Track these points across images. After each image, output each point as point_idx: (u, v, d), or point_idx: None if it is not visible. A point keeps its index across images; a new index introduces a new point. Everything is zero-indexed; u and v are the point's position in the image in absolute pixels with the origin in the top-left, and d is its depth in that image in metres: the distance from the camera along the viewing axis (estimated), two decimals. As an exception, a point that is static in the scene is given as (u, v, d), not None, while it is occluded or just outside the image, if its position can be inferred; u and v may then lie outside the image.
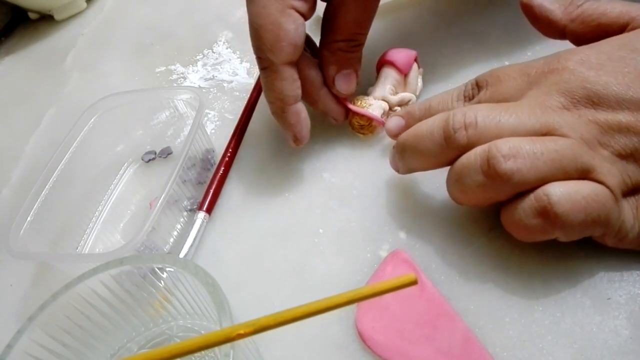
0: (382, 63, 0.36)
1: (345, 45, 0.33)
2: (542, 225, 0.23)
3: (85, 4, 0.63)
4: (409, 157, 0.28)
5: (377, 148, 0.34)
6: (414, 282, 0.19)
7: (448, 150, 0.25)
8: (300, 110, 0.32)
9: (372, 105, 0.34)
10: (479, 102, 0.27)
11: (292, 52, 0.30)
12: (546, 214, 0.22)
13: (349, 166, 0.34)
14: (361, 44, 0.34)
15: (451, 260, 0.27)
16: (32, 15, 0.65)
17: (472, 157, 0.24)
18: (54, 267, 0.35)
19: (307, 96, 0.33)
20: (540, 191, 0.22)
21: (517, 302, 0.25)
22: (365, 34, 0.34)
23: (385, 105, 0.34)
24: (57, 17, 0.62)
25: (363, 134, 0.35)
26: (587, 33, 0.26)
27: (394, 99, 0.35)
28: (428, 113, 0.29)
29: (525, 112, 0.24)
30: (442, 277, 0.27)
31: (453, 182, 0.25)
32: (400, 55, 0.35)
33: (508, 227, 0.24)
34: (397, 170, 0.30)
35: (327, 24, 0.33)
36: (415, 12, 0.43)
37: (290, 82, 0.31)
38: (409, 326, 0.25)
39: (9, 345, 0.24)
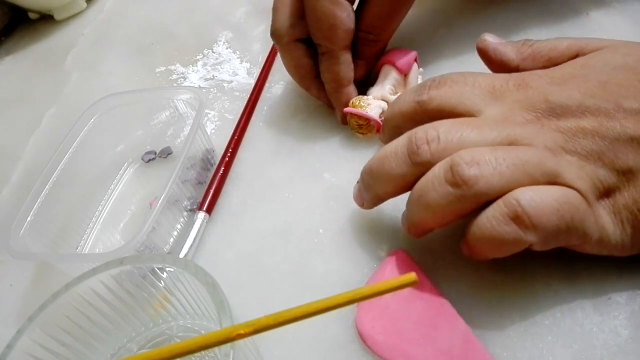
0: (382, 63, 0.36)
1: (364, 36, 0.35)
2: (515, 231, 0.22)
3: (85, 4, 0.63)
4: (374, 182, 0.27)
5: (377, 148, 0.34)
6: (414, 282, 0.19)
7: (413, 167, 0.25)
8: (352, 92, 0.36)
9: (371, 105, 0.34)
10: (441, 96, 0.26)
11: (346, 37, 0.34)
12: (518, 218, 0.21)
13: (349, 166, 0.34)
14: (379, 41, 0.36)
15: (451, 260, 0.27)
16: (32, 15, 0.65)
17: (435, 170, 0.24)
18: (54, 267, 0.35)
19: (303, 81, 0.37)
20: (508, 196, 0.22)
21: (517, 302, 0.25)
22: (387, 31, 0.36)
23: (385, 105, 0.34)
24: (57, 17, 0.63)
25: (362, 133, 0.35)
26: (539, 69, 0.27)
27: (394, 98, 0.35)
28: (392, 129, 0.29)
29: (487, 126, 0.24)
30: (442, 277, 0.27)
31: (416, 200, 0.24)
32: (400, 55, 0.35)
33: (477, 243, 0.23)
34: (362, 204, 0.29)
35: (356, 12, 0.35)
36: (415, 12, 0.43)
37: (345, 66, 0.35)
38: (409, 326, 0.25)
39: (9, 345, 0.24)
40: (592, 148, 0.23)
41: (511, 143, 0.23)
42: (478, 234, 0.23)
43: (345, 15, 0.33)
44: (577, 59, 0.26)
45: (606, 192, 0.23)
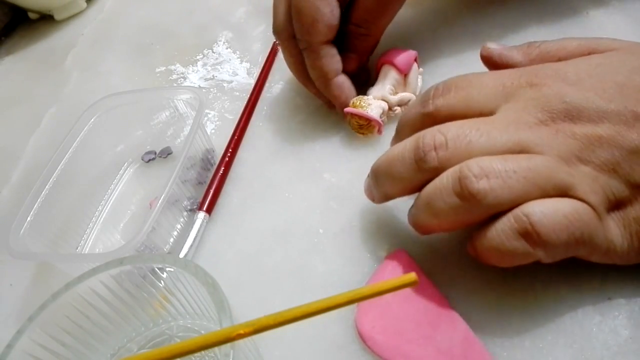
0: (382, 63, 0.36)
1: (355, 30, 0.35)
2: (524, 247, 0.22)
3: (85, 4, 0.63)
4: (382, 182, 0.27)
5: (377, 148, 0.34)
6: (414, 282, 0.19)
7: (420, 173, 0.24)
8: (342, 82, 0.35)
9: (371, 105, 0.34)
10: (448, 104, 0.26)
11: (327, 32, 0.33)
12: (528, 235, 0.21)
13: (349, 166, 0.34)
14: (369, 35, 0.35)
15: (451, 260, 0.27)
16: (32, 15, 0.65)
17: (443, 179, 0.23)
18: (54, 267, 0.35)
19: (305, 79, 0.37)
20: (519, 211, 0.21)
21: (517, 302, 0.25)
22: (377, 25, 0.35)
23: (385, 105, 0.34)
24: (57, 17, 0.63)
25: (363, 133, 0.35)
26: None
27: (394, 98, 0.35)
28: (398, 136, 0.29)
29: (497, 129, 0.23)
30: (442, 277, 0.27)
31: (423, 206, 0.24)
32: (400, 55, 0.35)
33: (484, 253, 0.23)
34: (373, 199, 0.28)
35: (348, 5, 0.35)
36: (415, 12, 0.43)
37: (328, 59, 0.34)
38: (409, 326, 0.25)
39: (9, 345, 0.24)
40: (607, 158, 0.22)
41: (522, 150, 0.23)
42: (487, 246, 0.23)
43: (328, 10, 0.33)
44: (592, 56, 0.25)
45: (617, 204, 0.22)
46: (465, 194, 0.22)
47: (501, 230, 0.22)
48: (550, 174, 0.22)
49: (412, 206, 0.26)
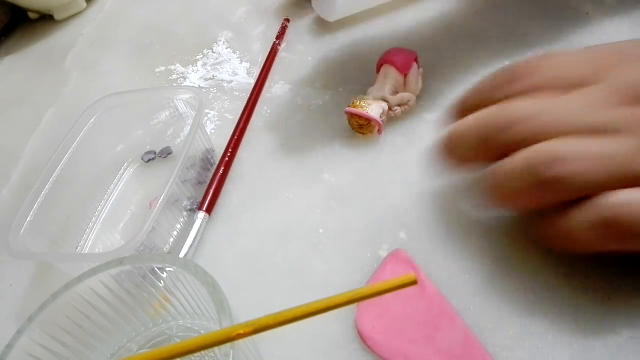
0: (382, 63, 0.36)
1: None
2: (606, 237, 0.20)
3: (85, 4, 0.63)
4: (456, 150, 0.25)
5: (377, 148, 0.34)
6: (414, 282, 0.19)
7: (497, 145, 0.23)
8: None
9: (371, 105, 0.34)
10: (536, 89, 0.24)
11: None
12: (614, 226, 0.20)
13: (349, 166, 0.34)
14: None
15: (451, 260, 0.27)
16: (32, 15, 0.65)
17: (520, 159, 0.22)
18: (54, 267, 0.35)
19: None
20: (604, 200, 0.20)
21: (517, 302, 0.25)
22: None
23: (385, 105, 0.34)
24: (57, 17, 0.63)
25: (363, 133, 0.35)
26: None
27: (394, 99, 0.35)
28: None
29: (582, 108, 0.22)
30: (442, 277, 0.27)
31: (497, 185, 0.23)
32: (400, 55, 0.35)
33: (560, 238, 0.22)
34: (446, 164, 0.27)
35: None
36: (415, 12, 0.43)
37: None
38: (409, 326, 0.25)
39: (9, 345, 0.24)
40: None
41: (607, 132, 0.21)
42: (563, 232, 0.22)
43: None
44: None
45: None
46: (542, 178, 0.21)
47: (584, 218, 0.21)
48: (633, 159, 0.20)
49: (487, 175, 0.24)
